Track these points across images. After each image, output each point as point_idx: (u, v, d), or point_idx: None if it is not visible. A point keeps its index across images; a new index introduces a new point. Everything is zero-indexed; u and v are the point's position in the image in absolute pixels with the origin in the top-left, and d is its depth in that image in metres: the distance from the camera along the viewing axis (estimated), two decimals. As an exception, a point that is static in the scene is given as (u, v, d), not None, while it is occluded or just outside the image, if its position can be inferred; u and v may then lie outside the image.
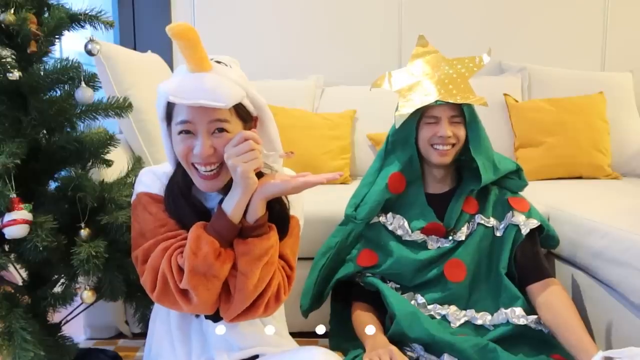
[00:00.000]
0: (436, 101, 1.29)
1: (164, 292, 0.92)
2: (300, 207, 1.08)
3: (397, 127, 1.34)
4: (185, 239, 0.92)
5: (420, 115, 1.32)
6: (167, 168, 1.04)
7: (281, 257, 0.99)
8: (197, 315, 1.02)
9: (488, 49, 1.37)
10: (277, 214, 0.99)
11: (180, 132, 0.92)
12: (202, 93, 0.87)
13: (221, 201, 0.95)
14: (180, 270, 0.90)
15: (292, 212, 1.03)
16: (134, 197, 1.03)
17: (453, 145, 1.32)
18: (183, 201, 0.98)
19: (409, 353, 1.24)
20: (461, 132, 1.32)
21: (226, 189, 0.95)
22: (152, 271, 0.93)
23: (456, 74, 1.33)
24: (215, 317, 0.99)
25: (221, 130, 0.91)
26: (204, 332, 1.03)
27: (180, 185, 0.99)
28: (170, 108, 0.94)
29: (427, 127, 1.32)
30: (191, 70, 0.90)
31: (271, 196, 0.95)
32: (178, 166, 1.00)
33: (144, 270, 0.94)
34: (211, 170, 0.94)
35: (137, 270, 0.97)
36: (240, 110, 0.94)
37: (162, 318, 1.06)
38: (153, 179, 1.02)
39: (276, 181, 0.94)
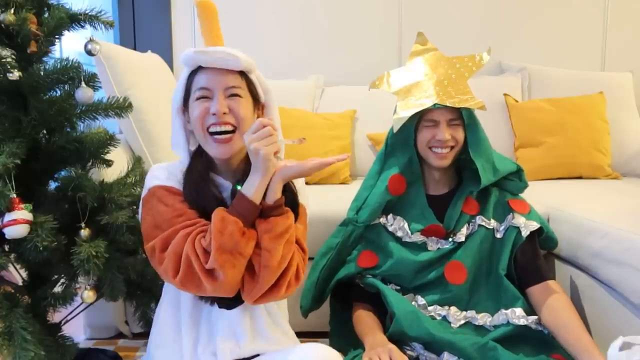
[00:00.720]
0: (434, 104, 1.28)
1: (188, 275, 0.94)
2: (305, 197, 1.14)
3: (395, 130, 1.34)
4: (204, 225, 0.97)
5: (418, 118, 1.32)
6: (176, 165, 1.08)
7: (294, 241, 1.02)
8: (212, 303, 1.03)
9: (488, 48, 1.35)
10: (289, 199, 1.04)
11: (198, 98, 1.02)
12: (220, 53, 1.01)
13: (233, 191, 1.01)
14: (205, 252, 0.93)
15: (300, 200, 1.09)
16: (145, 192, 1.05)
17: (452, 148, 1.32)
18: (204, 186, 1.03)
19: (408, 352, 1.24)
20: (460, 134, 1.32)
21: (242, 176, 1.01)
22: (174, 256, 0.95)
23: (455, 74, 1.32)
24: (229, 304, 1.01)
25: (235, 95, 1.02)
26: (213, 323, 1.05)
27: (201, 172, 1.04)
28: (189, 83, 1.04)
29: (425, 130, 1.32)
30: (206, 45, 1.02)
31: (289, 178, 1.01)
32: (194, 156, 1.07)
33: (163, 259, 0.96)
34: (226, 133, 1.01)
35: (152, 261, 0.99)
36: (251, 86, 1.06)
37: (168, 311, 1.08)
38: (167, 174, 1.06)
39: (292, 164, 1.00)
